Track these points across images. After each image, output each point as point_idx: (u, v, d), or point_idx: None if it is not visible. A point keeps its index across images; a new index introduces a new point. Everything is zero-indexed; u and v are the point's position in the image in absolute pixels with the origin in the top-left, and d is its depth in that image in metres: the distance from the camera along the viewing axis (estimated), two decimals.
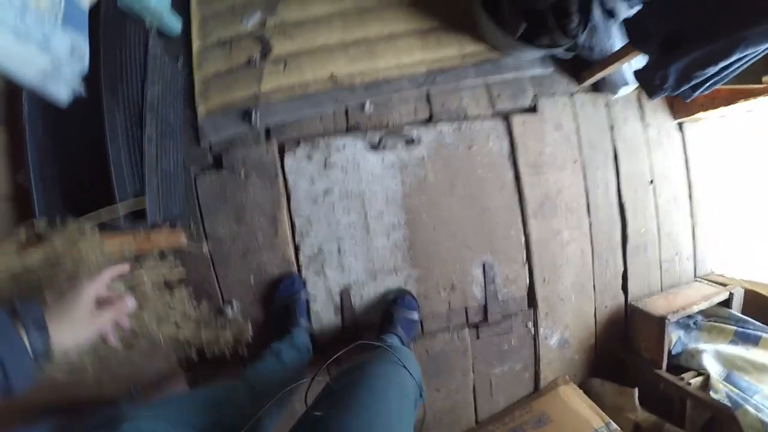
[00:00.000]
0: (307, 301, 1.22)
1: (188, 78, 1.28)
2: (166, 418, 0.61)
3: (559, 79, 1.35)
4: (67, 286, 0.56)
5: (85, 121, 1.06)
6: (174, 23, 1.30)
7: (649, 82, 1.16)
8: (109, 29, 1.15)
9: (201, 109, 1.23)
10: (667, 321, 1.31)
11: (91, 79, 0.95)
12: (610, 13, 1.31)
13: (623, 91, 1.36)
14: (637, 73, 1.15)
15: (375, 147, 1.20)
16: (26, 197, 1.05)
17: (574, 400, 1.31)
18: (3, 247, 0.84)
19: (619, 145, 1.41)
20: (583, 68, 1.35)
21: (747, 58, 1.04)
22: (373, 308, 1.25)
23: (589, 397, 1.32)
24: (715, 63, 1.04)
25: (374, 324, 1.22)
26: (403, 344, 1.11)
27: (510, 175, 1.27)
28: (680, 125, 1.53)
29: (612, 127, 1.41)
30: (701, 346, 1.37)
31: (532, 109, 1.31)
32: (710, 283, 1.57)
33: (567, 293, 1.34)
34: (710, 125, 1.57)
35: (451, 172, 1.23)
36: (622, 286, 1.43)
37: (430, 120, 1.24)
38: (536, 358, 1.35)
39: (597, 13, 1.28)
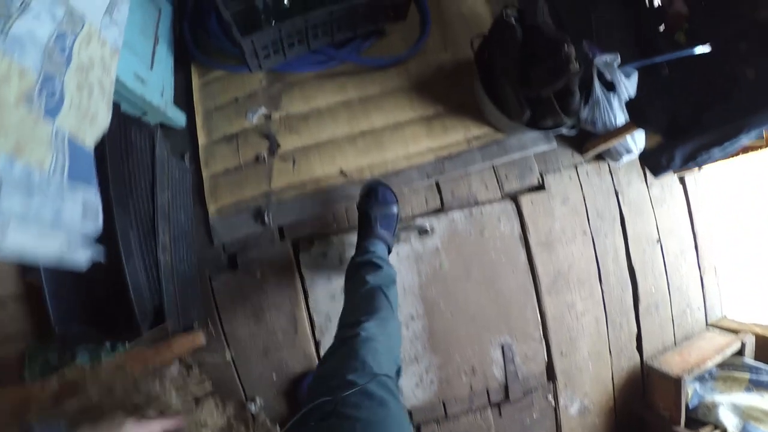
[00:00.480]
0: None
1: (196, 174, 1.28)
2: None
3: (563, 153, 1.37)
4: (107, 423, 0.53)
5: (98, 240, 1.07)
6: (178, 117, 1.31)
7: (654, 164, 1.19)
8: (114, 141, 1.16)
9: (212, 208, 1.24)
10: (683, 381, 1.34)
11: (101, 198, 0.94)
12: (609, 86, 1.34)
13: (626, 159, 1.39)
14: (643, 158, 1.18)
15: None
16: (38, 299, 1.06)
17: None
18: (36, 396, 0.84)
19: (625, 209, 1.44)
20: (586, 139, 1.37)
21: (753, 134, 1.06)
22: None
23: None
24: (721, 145, 1.07)
25: None
26: (388, 244, 1.08)
27: (522, 255, 1.29)
28: (681, 179, 1.57)
29: (617, 193, 1.43)
30: (717, 398, 1.41)
31: (540, 186, 1.34)
32: (722, 330, 1.60)
33: (584, 362, 1.37)
34: (710, 174, 1.61)
35: (465, 259, 1.25)
36: (637, 346, 1.46)
37: (441, 209, 1.26)
38: (558, 428, 1.37)
39: (597, 87, 1.31)
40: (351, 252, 1.22)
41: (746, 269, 1.69)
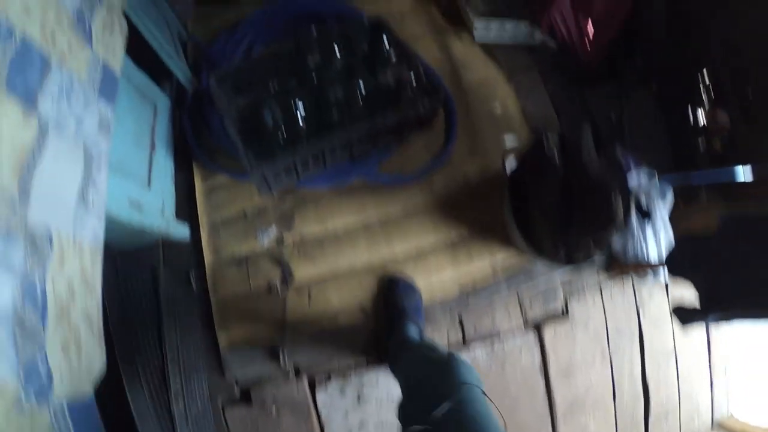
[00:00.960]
0: None
1: (204, 294, 1.20)
2: None
3: (589, 271, 1.32)
4: None
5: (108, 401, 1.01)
6: (181, 232, 1.21)
7: (684, 316, 1.14)
8: (113, 300, 1.08)
9: (223, 339, 1.16)
10: None
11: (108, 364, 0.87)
12: (645, 214, 1.27)
13: (653, 282, 1.34)
14: (675, 311, 1.13)
15: None
16: None
17: None
18: None
19: (645, 324, 1.41)
20: (614, 259, 1.32)
21: None
22: None
23: None
24: (755, 319, 1.03)
25: None
26: (421, 330, 1.08)
27: (541, 385, 1.26)
28: None
29: (638, 308, 1.40)
30: None
31: (563, 312, 1.29)
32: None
33: None
34: None
35: (486, 391, 1.22)
36: None
37: (463, 343, 1.21)
38: None
39: (634, 219, 1.23)
40: (370, 389, 1.18)
41: (757, 366, 1.71)
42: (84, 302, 0.69)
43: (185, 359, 1.12)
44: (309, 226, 1.19)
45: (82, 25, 0.75)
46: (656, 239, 1.25)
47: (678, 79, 1.42)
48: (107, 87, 0.81)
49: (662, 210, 1.27)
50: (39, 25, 0.63)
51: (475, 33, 1.40)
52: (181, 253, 1.22)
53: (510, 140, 1.36)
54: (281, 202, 1.20)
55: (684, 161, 1.40)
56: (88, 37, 0.76)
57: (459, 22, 1.44)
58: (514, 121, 1.35)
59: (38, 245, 0.60)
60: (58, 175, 0.65)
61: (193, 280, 1.20)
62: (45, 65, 0.63)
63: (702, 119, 1.37)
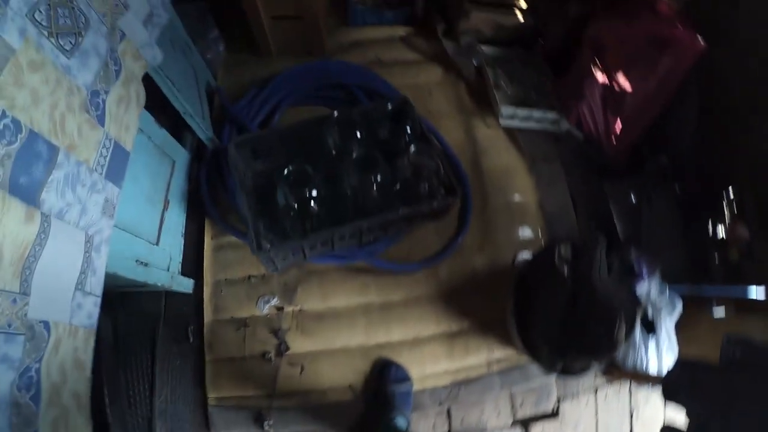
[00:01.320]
0: None
1: (199, 350, 1.22)
2: None
3: (588, 377, 1.31)
4: None
5: None
6: (185, 285, 1.22)
7: None
8: (109, 359, 1.09)
9: (212, 397, 1.18)
10: None
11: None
12: (650, 327, 1.25)
13: (649, 389, 1.32)
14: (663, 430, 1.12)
15: None
16: None
17: None
18: None
19: (637, 427, 1.39)
20: (613, 365, 1.30)
21: None
22: None
23: None
24: None
25: None
26: (407, 419, 1.09)
27: None
28: None
29: (632, 411, 1.38)
30: None
31: (554, 412, 1.28)
32: None
33: None
34: None
35: None
36: None
37: None
38: None
39: (638, 331, 1.22)
40: None
41: None
42: (74, 383, 0.70)
43: (173, 411, 1.14)
44: (311, 301, 1.20)
45: (95, 104, 0.75)
46: (658, 353, 1.23)
47: (702, 187, 1.40)
48: (116, 168, 0.81)
49: (669, 323, 1.26)
50: (48, 113, 0.63)
51: (501, 120, 1.40)
52: (183, 305, 1.24)
53: (525, 233, 1.35)
54: (286, 273, 1.22)
55: (699, 270, 1.37)
56: (101, 116, 0.76)
57: (485, 104, 1.44)
58: (530, 213, 1.34)
59: (36, 336, 0.62)
60: (59, 268, 0.67)
61: (190, 335, 1.22)
62: (52, 156, 0.64)
63: (722, 232, 1.35)
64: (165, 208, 1.17)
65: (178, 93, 1.10)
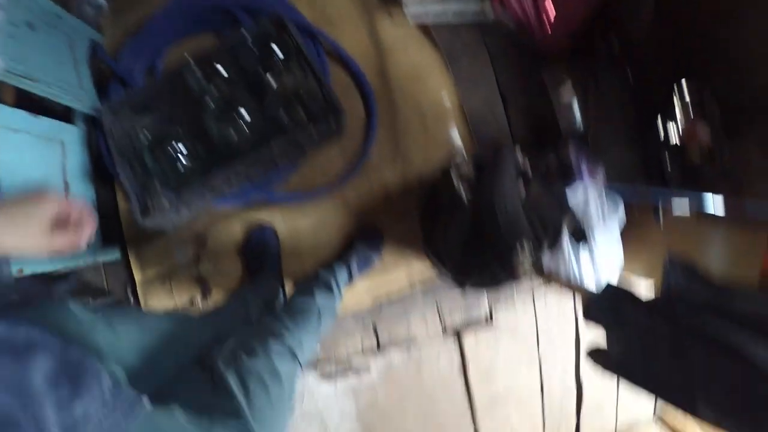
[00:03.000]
0: None
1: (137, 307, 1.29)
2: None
3: (525, 287, 1.27)
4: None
5: None
6: (111, 255, 1.25)
7: (597, 363, 1.06)
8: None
9: None
10: None
11: None
12: (581, 237, 1.16)
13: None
14: (590, 353, 1.06)
15: (328, 377, 1.26)
16: None
17: None
18: None
19: (583, 328, 1.38)
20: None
21: None
22: None
23: None
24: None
25: None
26: (352, 275, 1.13)
27: (460, 385, 1.30)
28: None
29: (578, 318, 1.36)
30: None
31: (488, 319, 1.28)
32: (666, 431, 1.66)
33: None
34: None
35: (402, 393, 1.28)
36: None
37: (378, 349, 1.25)
38: None
39: (566, 243, 1.13)
40: None
41: None
42: None
43: None
44: (221, 243, 1.21)
45: None
46: (594, 264, 1.16)
47: (658, 77, 1.18)
48: None
49: (609, 231, 1.16)
50: None
51: (406, 11, 1.21)
52: (119, 270, 1.29)
53: (448, 139, 1.24)
54: (195, 222, 1.22)
55: (652, 171, 1.22)
56: None
57: (393, 1, 1.24)
58: (449, 117, 1.22)
59: None
60: None
61: (130, 296, 1.29)
62: None
63: (676, 132, 1.17)
64: (66, 190, 1.16)
65: (40, 84, 1.03)
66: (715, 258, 1.09)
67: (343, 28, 1.24)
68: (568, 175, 1.22)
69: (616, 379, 0.98)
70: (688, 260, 0.88)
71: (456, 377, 1.30)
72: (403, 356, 1.26)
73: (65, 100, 1.13)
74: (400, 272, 1.20)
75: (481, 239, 0.97)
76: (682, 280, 0.89)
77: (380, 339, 1.24)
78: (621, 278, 1.21)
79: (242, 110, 1.07)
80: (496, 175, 0.94)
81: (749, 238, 1.01)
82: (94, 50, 1.29)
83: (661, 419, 1.63)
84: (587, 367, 1.42)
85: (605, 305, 0.96)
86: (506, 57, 1.29)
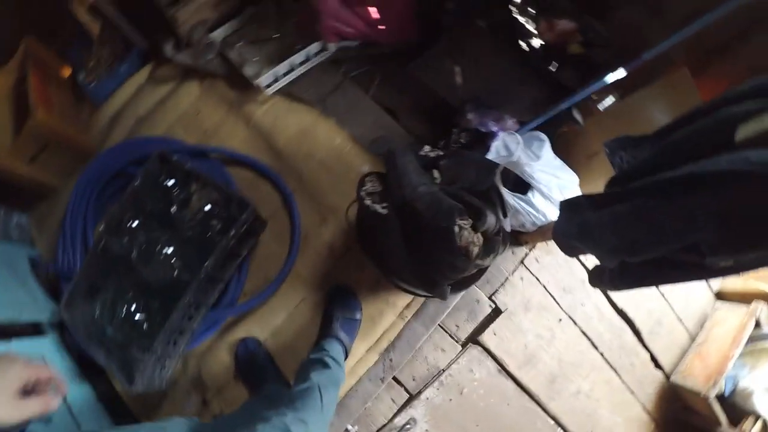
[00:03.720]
0: None
1: None
2: None
3: (505, 259, 1.13)
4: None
5: None
6: None
7: (595, 282, 0.93)
8: None
9: None
10: (709, 398, 1.22)
11: None
12: (521, 187, 1.03)
13: None
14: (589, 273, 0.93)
15: None
16: None
17: None
18: None
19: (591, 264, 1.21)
20: (519, 232, 1.11)
21: None
22: None
23: None
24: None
25: None
26: (345, 347, 1.00)
27: (510, 385, 1.14)
28: None
29: (586, 260, 1.19)
30: (750, 382, 1.29)
31: (495, 312, 1.12)
32: (731, 303, 1.43)
33: (610, 423, 1.27)
34: None
35: (459, 425, 1.12)
36: (656, 366, 1.33)
37: (411, 398, 1.10)
38: None
39: (510, 199, 1.01)
40: None
41: None
42: None
43: None
44: (218, 375, 1.11)
45: None
46: (549, 200, 1.02)
47: (500, 8, 1.09)
48: None
49: (544, 164, 1.03)
50: None
51: (267, 90, 1.16)
52: None
53: (365, 167, 1.14)
54: (185, 368, 1.13)
55: (551, 90, 1.10)
56: None
57: (249, 86, 1.20)
58: (350, 153, 1.13)
59: None
60: None
61: None
62: None
63: (540, 35, 1.06)
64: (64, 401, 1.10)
65: None
66: (655, 121, 0.95)
67: (225, 133, 1.20)
68: (481, 140, 1.10)
69: (635, 285, 0.85)
70: (620, 137, 0.78)
71: (501, 380, 1.13)
72: (439, 390, 1.10)
73: (26, 317, 1.09)
74: (387, 315, 1.07)
75: (419, 241, 0.84)
76: (624, 154, 0.78)
77: (407, 387, 1.09)
78: None
79: (165, 249, 1.01)
80: (397, 173, 0.83)
81: (671, 81, 0.91)
82: (33, 263, 1.27)
83: (720, 293, 1.40)
84: (618, 295, 1.24)
85: (567, 222, 0.83)
86: (370, 73, 1.22)
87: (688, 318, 1.37)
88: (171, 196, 1.05)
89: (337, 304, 1.05)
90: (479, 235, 0.80)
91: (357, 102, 1.17)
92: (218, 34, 1.25)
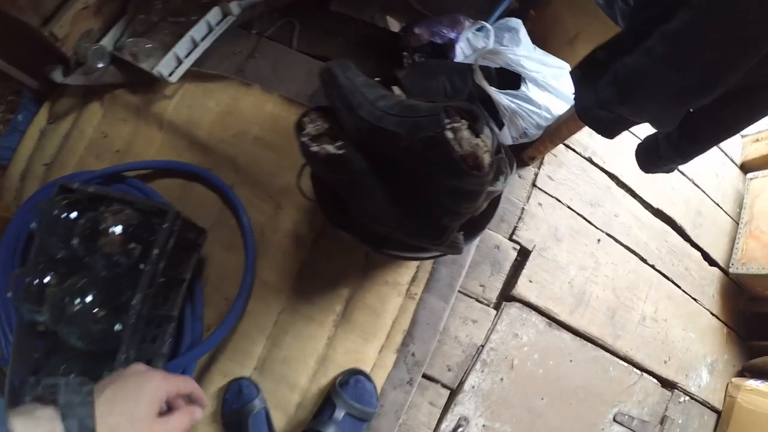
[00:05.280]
0: None
1: None
2: None
3: (512, 187, 0.77)
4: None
5: None
6: None
7: (648, 167, 0.59)
8: None
9: None
10: None
11: None
12: (512, 83, 0.67)
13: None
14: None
15: None
16: None
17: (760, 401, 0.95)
18: None
19: (616, 169, 0.85)
20: (518, 150, 0.75)
21: None
22: None
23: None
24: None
25: None
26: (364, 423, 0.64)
27: (566, 337, 0.76)
28: None
29: (593, 161, 0.84)
30: None
31: (521, 254, 0.76)
32: (763, 170, 1.08)
33: (685, 340, 0.91)
34: None
35: (517, 404, 0.74)
36: (710, 263, 0.97)
37: (453, 391, 0.72)
38: (708, 406, 0.96)
39: (500, 99, 0.65)
40: None
41: None
42: None
43: None
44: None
45: None
46: (548, 88, 0.66)
47: None
48: None
49: (528, 49, 0.67)
50: None
51: (172, 78, 0.80)
52: None
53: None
54: None
55: None
56: None
57: (150, 81, 0.84)
58: (287, 118, 0.77)
59: None
60: None
61: None
62: None
63: None
64: None
65: None
66: None
67: (139, 146, 0.82)
68: (440, 54, 0.75)
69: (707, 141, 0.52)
70: None
71: (554, 335, 0.76)
72: (484, 373, 0.72)
73: None
74: (391, 299, 0.69)
75: (403, 177, 0.48)
76: None
77: (444, 382, 0.71)
78: None
79: (85, 299, 0.61)
80: (344, 94, 0.46)
81: None
82: None
83: (744, 165, 1.05)
84: (655, 198, 0.88)
85: (594, 90, 0.49)
86: (287, 26, 0.86)
87: (725, 200, 1.01)
88: (77, 232, 0.67)
89: (346, 390, 0.65)
90: (487, 134, 0.43)
91: (281, 59, 0.80)
92: (108, 41, 0.88)
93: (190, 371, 0.72)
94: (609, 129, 0.50)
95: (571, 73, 0.53)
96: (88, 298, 0.63)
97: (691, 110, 0.50)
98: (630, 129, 0.54)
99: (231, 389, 0.69)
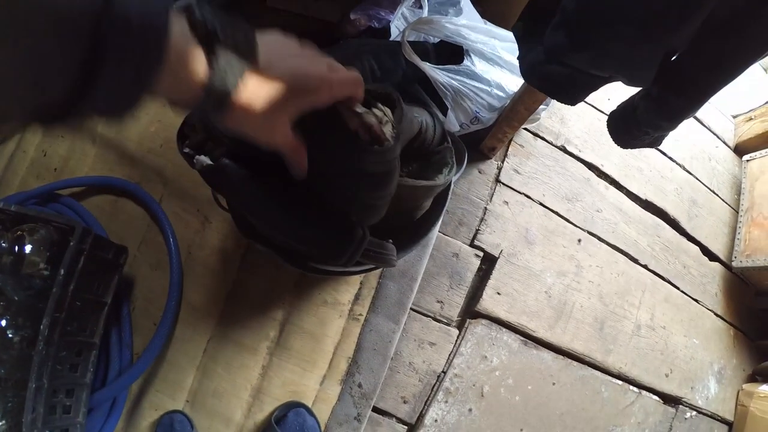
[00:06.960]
0: None
1: None
2: None
3: (471, 183, 0.57)
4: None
5: None
6: None
7: (620, 138, 0.38)
8: None
9: None
10: None
11: None
12: (452, 54, 0.48)
13: (544, 113, 0.56)
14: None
15: None
16: None
17: None
18: None
19: (590, 156, 0.64)
20: (479, 139, 0.56)
21: None
22: None
23: None
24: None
25: None
26: None
27: (547, 356, 0.56)
28: None
29: (568, 149, 0.63)
30: None
31: (485, 261, 0.56)
32: (760, 151, 0.84)
33: (688, 348, 0.68)
34: None
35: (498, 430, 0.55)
36: (710, 258, 0.75)
37: (411, 429, 0.53)
38: (716, 418, 0.74)
39: (439, 77, 0.46)
40: None
41: None
42: None
43: None
44: None
45: None
46: (497, 62, 0.47)
47: None
48: None
49: (472, 22, 0.48)
50: None
51: None
52: None
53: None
54: None
55: None
56: None
57: None
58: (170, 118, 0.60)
59: None
60: None
61: None
62: None
63: None
64: None
65: None
66: None
67: (74, 163, 0.66)
68: (380, 36, 0.56)
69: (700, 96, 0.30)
70: None
71: (531, 354, 0.55)
72: (448, 404, 0.52)
73: None
74: (331, 321, 0.51)
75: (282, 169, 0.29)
76: None
77: (399, 416, 0.51)
78: None
79: (1, 322, 0.46)
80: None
81: None
82: None
83: (739, 147, 0.82)
84: (641, 188, 0.66)
85: (538, 43, 0.27)
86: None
87: (722, 186, 0.78)
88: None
89: (281, 426, 0.47)
90: (383, 107, 0.25)
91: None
92: None
93: (120, 403, 0.55)
94: (565, 90, 0.30)
95: (512, 29, 0.34)
96: (2, 323, 0.47)
97: (672, 58, 0.30)
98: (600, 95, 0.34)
99: (163, 423, 0.52)
